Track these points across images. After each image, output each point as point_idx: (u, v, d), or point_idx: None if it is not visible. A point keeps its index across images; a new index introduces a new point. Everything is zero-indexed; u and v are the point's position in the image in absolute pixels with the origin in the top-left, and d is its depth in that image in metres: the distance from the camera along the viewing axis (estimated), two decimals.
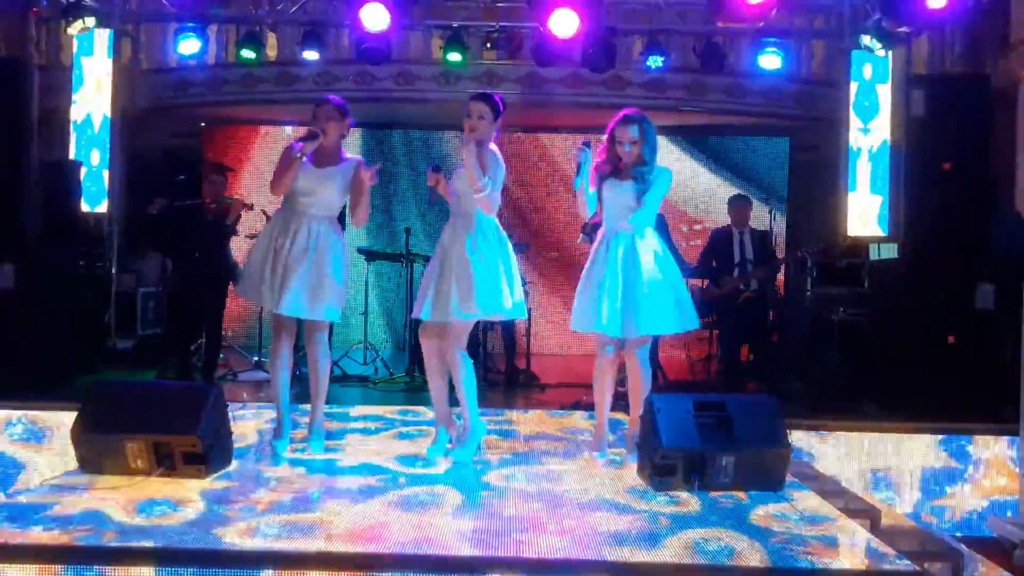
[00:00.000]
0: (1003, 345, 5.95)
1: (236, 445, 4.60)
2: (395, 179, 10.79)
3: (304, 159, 4.65)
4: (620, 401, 5.18)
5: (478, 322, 5.22)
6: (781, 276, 8.68)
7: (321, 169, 4.71)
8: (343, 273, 4.74)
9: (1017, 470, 5.55)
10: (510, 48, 9.19)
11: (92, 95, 8.54)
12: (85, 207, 8.22)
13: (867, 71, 8.52)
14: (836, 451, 5.77)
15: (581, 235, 4.84)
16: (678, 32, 9.38)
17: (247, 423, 5.61)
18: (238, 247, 7.63)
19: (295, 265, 4.60)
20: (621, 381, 5.07)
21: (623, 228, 4.64)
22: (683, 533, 3.56)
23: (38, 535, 3.35)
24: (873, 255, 8.31)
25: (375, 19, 8.04)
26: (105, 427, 4.20)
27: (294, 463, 4.60)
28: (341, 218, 5.02)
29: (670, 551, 3.35)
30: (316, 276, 4.62)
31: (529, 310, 8.12)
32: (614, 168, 4.69)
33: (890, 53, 8.32)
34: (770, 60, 8.92)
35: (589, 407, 4.98)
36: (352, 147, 10.86)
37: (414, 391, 7.29)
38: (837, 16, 9.07)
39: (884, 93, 8.45)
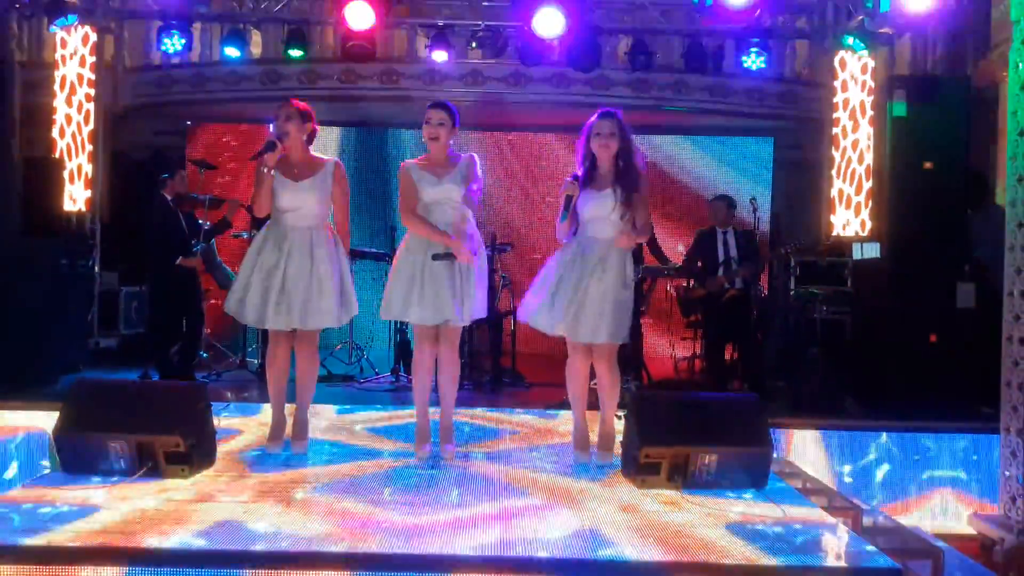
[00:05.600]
0: (984, 344, 5.99)
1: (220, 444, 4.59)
2: (377, 176, 10.75)
3: (273, 172, 4.60)
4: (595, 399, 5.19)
5: None
6: (765, 275, 8.71)
7: (298, 182, 4.67)
8: (344, 275, 4.73)
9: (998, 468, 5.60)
10: (495, 47, 9.17)
11: (74, 93, 8.48)
12: (67, 205, 8.17)
13: (849, 71, 8.56)
14: (818, 449, 5.80)
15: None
16: (663, 32, 9.41)
17: (232, 422, 5.60)
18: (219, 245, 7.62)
19: (295, 279, 4.59)
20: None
21: (604, 237, 4.63)
22: (666, 532, 3.57)
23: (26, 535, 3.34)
24: (856, 254, 8.35)
25: (360, 17, 8.03)
26: (88, 427, 4.18)
27: (283, 463, 4.61)
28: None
29: (653, 550, 3.36)
30: (317, 285, 4.61)
31: (515, 309, 8.13)
32: (588, 176, 4.69)
33: (873, 54, 8.37)
34: (754, 60, 8.97)
35: None
36: (334, 145, 10.88)
37: (399, 390, 7.28)
38: (820, 16, 9.11)
39: (866, 93, 8.49)
